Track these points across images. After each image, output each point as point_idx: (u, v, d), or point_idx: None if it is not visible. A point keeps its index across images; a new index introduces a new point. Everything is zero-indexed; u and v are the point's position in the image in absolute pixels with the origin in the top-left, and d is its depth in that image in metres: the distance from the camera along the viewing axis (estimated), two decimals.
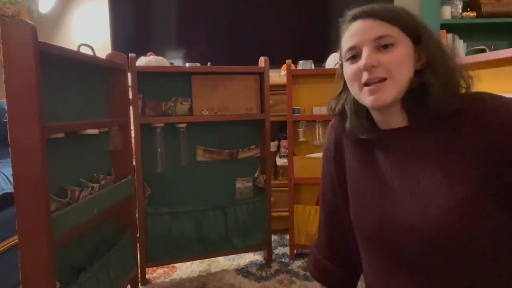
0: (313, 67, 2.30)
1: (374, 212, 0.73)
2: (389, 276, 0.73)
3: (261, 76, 1.85)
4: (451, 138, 0.65)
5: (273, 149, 2.28)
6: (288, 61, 1.89)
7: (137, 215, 1.68)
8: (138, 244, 1.69)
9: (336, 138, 0.85)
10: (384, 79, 0.67)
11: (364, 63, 0.67)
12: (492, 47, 2.52)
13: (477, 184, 0.62)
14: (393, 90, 0.67)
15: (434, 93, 0.66)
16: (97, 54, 1.44)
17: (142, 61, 1.82)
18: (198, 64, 1.92)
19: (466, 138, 0.63)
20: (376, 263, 0.77)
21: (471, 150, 0.63)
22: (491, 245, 0.62)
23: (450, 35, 2.61)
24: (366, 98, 0.70)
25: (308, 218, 1.88)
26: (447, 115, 0.66)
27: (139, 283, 1.68)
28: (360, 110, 0.76)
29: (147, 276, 1.74)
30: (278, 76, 2.50)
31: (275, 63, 2.12)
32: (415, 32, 0.68)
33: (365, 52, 0.67)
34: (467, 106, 0.65)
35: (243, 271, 1.80)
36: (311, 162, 1.85)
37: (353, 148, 0.81)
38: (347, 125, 0.79)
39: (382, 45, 0.67)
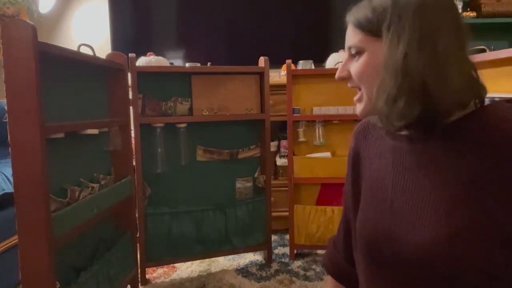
0: (313, 67, 2.30)
1: (375, 225, 0.73)
2: None
3: (261, 76, 1.85)
4: (462, 158, 0.58)
5: (273, 149, 2.28)
6: (288, 61, 1.89)
7: (137, 215, 1.68)
8: (138, 244, 1.69)
9: (355, 147, 0.84)
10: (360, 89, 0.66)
11: (336, 76, 0.68)
12: (492, 47, 2.52)
13: (478, 218, 0.55)
14: (366, 102, 0.65)
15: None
16: (97, 54, 1.44)
17: (142, 61, 1.82)
18: (198, 64, 1.92)
19: (474, 163, 0.57)
20: (367, 276, 0.77)
21: (479, 179, 0.56)
22: (484, 280, 0.56)
23: None
24: None
25: (308, 218, 1.88)
26: (450, 129, 0.60)
27: (139, 283, 1.68)
28: None
29: (147, 276, 1.74)
30: (278, 76, 2.50)
31: (275, 63, 2.12)
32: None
33: (342, 62, 0.68)
34: (472, 121, 0.59)
35: (243, 271, 1.80)
36: (311, 162, 1.85)
37: (368, 159, 0.80)
38: None
39: (352, 54, 0.66)
